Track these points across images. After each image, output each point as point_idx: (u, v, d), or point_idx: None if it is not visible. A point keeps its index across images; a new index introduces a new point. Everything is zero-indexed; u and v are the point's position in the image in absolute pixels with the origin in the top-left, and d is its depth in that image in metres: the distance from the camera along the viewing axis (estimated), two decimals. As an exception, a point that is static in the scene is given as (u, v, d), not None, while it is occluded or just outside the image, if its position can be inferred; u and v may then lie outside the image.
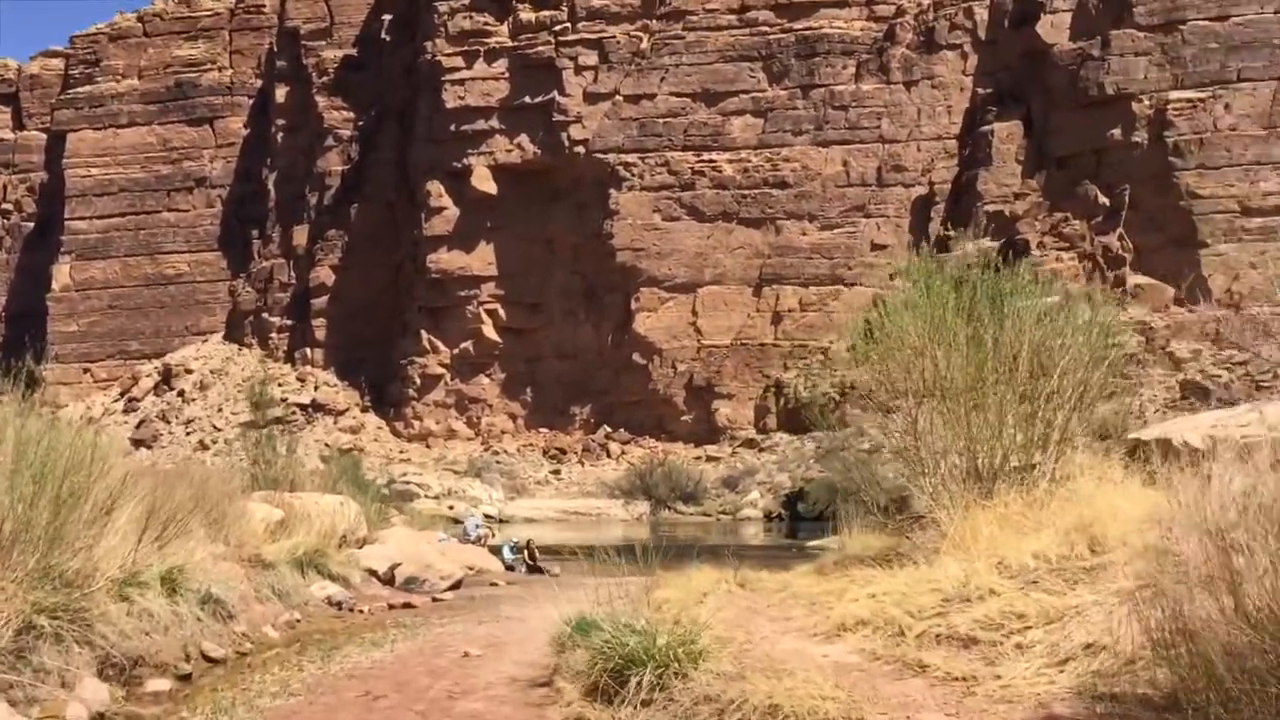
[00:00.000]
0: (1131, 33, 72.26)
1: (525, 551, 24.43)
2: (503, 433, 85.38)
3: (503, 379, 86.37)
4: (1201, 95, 70.29)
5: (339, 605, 15.09)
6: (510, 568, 22.97)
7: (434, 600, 16.15)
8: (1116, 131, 71.90)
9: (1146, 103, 71.36)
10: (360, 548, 17.96)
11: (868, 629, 8.74)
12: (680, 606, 9.53)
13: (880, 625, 8.67)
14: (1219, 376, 64.53)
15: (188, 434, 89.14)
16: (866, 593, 9.45)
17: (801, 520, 60.52)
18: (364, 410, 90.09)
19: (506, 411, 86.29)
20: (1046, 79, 74.96)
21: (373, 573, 16.98)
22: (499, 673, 10.16)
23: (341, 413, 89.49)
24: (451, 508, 63.92)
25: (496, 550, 24.57)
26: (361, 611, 14.86)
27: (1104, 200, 71.76)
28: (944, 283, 11.76)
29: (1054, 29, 75.40)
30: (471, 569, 19.42)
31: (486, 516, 60.45)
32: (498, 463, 79.82)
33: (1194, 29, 71.06)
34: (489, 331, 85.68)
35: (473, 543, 25.99)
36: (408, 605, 15.54)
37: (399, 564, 17.34)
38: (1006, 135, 76.26)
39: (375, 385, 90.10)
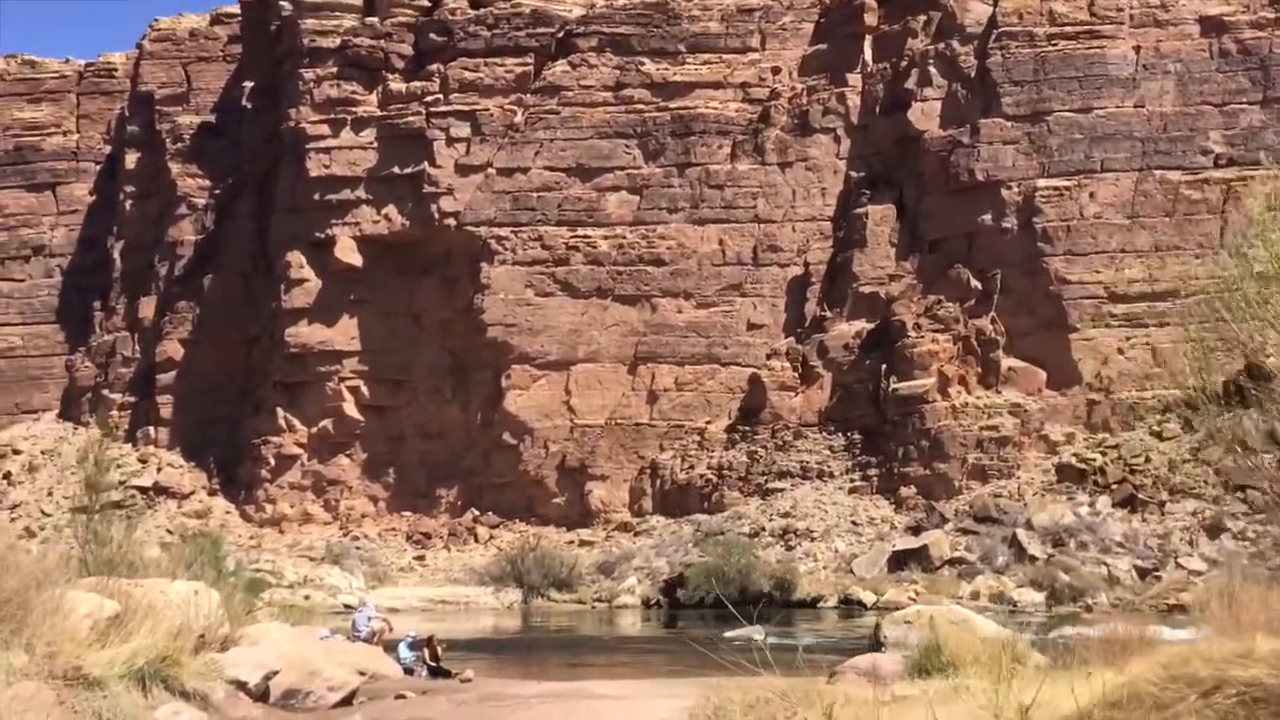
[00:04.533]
0: (1000, 121, 73.67)
1: (426, 650, 20.97)
2: (363, 516, 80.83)
3: (364, 459, 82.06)
4: (1068, 183, 71.82)
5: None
6: (409, 670, 19.54)
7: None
8: (987, 217, 72.83)
9: (1015, 189, 72.57)
10: (224, 650, 14.59)
11: None
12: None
13: None
14: (1093, 460, 64.89)
15: (12, 520, 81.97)
16: None
17: (682, 607, 58.08)
18: (211, 493, 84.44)
19: (367, 494, 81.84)
20: (918, 164, 75.77)
21: (240, 685, 13.59)
22: None
23: (187, 496, 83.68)
24: (307, 597, 59.63)
25: (391, 648, 21.08)
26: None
27: (976, 284, 72.32)
28: None
29: (924, 116, 76.42)
30: (364, 673, 16.14)
31: (348, 606, 56.11)
32: (357, 549, 75.32)
33: (1059, 120, 72.83)
34: (350, 409, 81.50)
35: (364, 640, 21.90)
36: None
37: (275, 671, 14.07)
38: (880, 218, 76.62)
39: (225, 466, 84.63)
